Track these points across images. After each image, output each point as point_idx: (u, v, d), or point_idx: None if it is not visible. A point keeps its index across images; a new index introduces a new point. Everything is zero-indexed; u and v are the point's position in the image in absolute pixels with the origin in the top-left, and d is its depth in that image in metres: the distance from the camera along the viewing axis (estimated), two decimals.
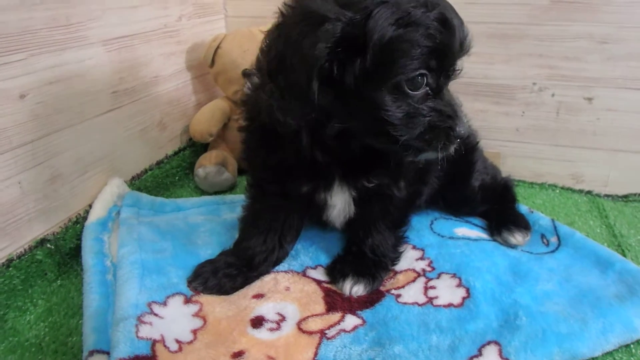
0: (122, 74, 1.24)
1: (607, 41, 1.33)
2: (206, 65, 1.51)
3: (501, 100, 1.48)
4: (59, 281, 1.06)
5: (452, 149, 0.80)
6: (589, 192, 1.47)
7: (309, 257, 1.06)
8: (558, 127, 1.45)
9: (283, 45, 0.76)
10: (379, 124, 0.77)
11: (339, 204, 0.97)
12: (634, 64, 1.33)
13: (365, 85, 0.75)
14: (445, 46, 0.75)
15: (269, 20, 1.70)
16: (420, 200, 1.16)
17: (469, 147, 1.16)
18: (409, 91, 0.76)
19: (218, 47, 1.45)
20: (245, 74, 1.43)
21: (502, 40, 1.42)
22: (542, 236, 1.15)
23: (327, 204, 0.97)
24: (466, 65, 1.56)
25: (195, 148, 1.56)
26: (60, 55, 1.05)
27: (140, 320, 0.82)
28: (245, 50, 1.43)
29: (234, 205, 1.30)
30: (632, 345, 0.86)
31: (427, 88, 0.77)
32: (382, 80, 0.74)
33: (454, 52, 0.78)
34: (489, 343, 0.81)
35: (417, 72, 0.75)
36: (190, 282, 0.96)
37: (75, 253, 1.11)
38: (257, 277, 0.99)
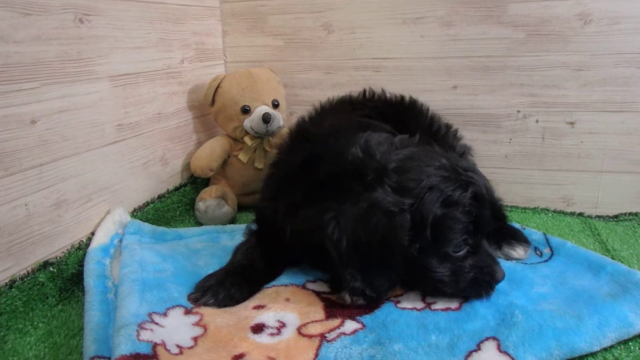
0: (127, 108, 1.31)
1: (582, 68, 1.42)
2: (207, 105, 1.59)
3: (488, 128, 1.55)
4: (60, 306, 1.06)
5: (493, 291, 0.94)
6: (580, 214, 1.50)
7: (309, 274, 1.08)
8: (544, 151, 1.51)
9: (355, 233, 0.88)
10: (431, 282, 0.92)
11: None
12: (610, 89, 1.41)
13: (421, 253, 0.89)
14: (480, 216, 0.90)
15: (265, 63, 1.81)
16: None
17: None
18: (453, 254, 0.90)
19: (218, 86, 1.53)
20: (244, 110, 1.51)
21: (485, 72, 1.51)
22: (536, 249, 1.18)
23: None
24: (453, 97, 1.66)
25: (196, 185, 1.61)
26: (70, 87, 1.12)
27: (140, 327, 0.82)
28: (244, 88, 1.51)
29: (234, 233, 1.32)
30: (630, 343, 0.86)
31: (467, 247, 0.92)
32: (435, 248, 0.89)
33: (487, 219, 0.93)
34: (487, 339, 0.82)
35: (460, 239, 0.89)
36: (199, 298, 0.96)
37: (77, 279, 1.12)
38: (259, 289, 1.00)
